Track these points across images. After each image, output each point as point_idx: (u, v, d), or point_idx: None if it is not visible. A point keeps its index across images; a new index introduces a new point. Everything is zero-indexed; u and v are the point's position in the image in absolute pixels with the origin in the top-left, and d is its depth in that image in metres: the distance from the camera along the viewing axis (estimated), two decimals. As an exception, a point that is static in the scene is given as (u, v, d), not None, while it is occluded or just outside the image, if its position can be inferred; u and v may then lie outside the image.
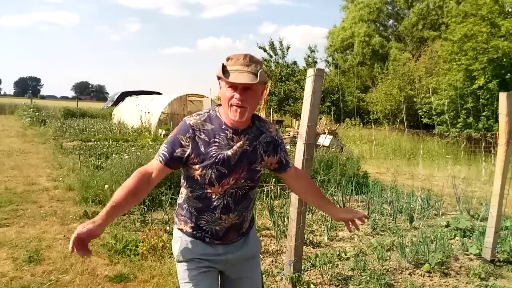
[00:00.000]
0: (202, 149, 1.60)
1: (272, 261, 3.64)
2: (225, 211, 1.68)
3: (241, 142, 1.64)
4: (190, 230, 1.73)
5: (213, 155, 1.60)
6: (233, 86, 1.55)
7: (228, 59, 1.61)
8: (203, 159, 1.60)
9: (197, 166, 1.61)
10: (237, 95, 1.55)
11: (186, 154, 1.60)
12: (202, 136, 1.61)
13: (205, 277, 1.70)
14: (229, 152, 1.62)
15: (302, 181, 1.89)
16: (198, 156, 1.60)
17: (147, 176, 1.58)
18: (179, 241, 1.74)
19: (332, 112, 18.68)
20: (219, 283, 1.85)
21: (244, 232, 1.80)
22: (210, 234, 1.72)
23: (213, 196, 1.66)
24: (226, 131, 1.63)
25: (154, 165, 1.61)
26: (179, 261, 1.75)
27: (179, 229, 1.77)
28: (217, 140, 1.62)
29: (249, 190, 1.73)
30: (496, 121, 4.32)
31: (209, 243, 1.72)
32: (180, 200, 1.78)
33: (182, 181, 1.74)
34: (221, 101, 1.64)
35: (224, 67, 1.57)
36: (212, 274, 1.74)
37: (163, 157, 1.61)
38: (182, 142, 1.60)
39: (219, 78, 1.61)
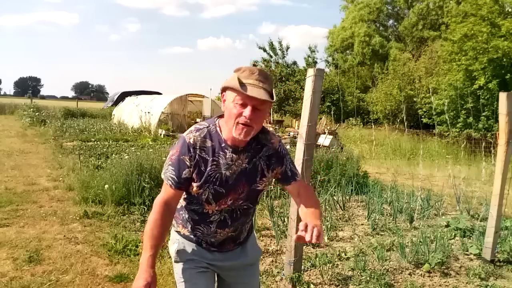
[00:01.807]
0: (202, 167, 1.55)
1: (272, 261, 3.64)
2: (221, 226, 1.65)
3: (239, 161, 1.57)
4: (188, 234, 1.72)
5: (211, 175, 1.55)
6: (243, 104, 1.45)
7: (239, 70, 1.50)
8: (202, 178, 1.55)
9: (195, 184, 1.55)
10: (246, 113, 1.45)
11: (191, 174, 1.55)
12: (203, 154, 1.55)
13: (202, 277, 1.69)
14: (227, 172, 1.56)
15: (302, 198, 1.66)
16: (198, 174, 1.55)
17: (169, 207, 1.56)
18: (177, 242, 1.73)
19: (332, 112, 18.69)
20: (216, 284, 1.84)
21: (241, 241, 1.78)
22: (206, 242, 1.71)
23: (210, 212, 1.63)
24: (226, 150, 1.55)
25: (168, 192, 1.56)
26: (176, 262, 1.74)
27: (176, 231, 1.76)
28: (216, 159, 1.55)
29: (248, 209, 1.69)
30: (496, 121, 4.32)
31: (205, 248, 1.71)
32: (178, 205, 1.72)
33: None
34: (225, 116, 1.53)
35: (238, 78, 1.45)
36: (209, 275, 1.73)
37: (173, 181, 1.54)
38: (187, 163, 1.53)
39: (226, 89, 1.51)
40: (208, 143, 1.55)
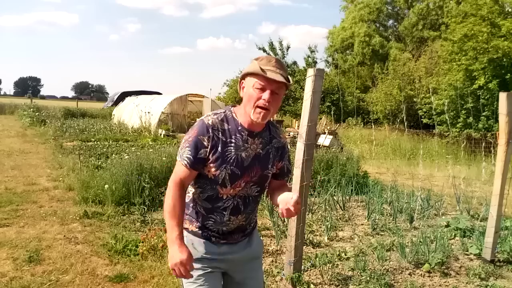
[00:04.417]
0: (220, 149, 1.61)
1: (272, 261, 3.64)
2: (234, 212, 1.69)
3: (254, 145, 1.67)
4: (196, 229, 1.73)
5: (229, 155, 1.62)
6: (262, 88, 1.56)
7: (257, 59, 1.61)
8: (219, 159, 1.61)
9: (212, 165, 1.61)
10: (266, 96, 1.55)
11: (207, 154, 1.61)
12: (220, 135, 1.62)
13: (209, 277, 1.70)
14: (243, 154, 1.64)
15: (278, 189, 1.79)
16: (215, 155, 1.61)
17: (184, 186, 1.63)
18: (185, 240, 1.74)
19: (332, 112, 18.68)
20: (223, 284, 1.84)
21: (248, 232, 1.81)
22: (216, 233, 1.72)
23: (224, 197, 1.67)
24: (242, 133, 1.64)
25: (182, 171, 1.62)
26: None
27: (184, 228, 1.75)
28: (233, 140, 1.63)
29: (258, 195, 1.77)
30: (496, 121, 4.32)
31: (214, 243, 1.72)
32: (186, 199, 1.76)
33: (192, 181, 1.72)
34: (244, 100, 1.62)
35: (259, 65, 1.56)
36: (215, 275, 1.74)
37: (188, 161, 1.60)
38: (204, 143, 1.60)
39: (246, 76, 1.61)
40: (225, 126, 1.64)
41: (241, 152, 1.64)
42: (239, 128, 1.64)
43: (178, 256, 1.52)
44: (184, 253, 1.53)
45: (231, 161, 1.62)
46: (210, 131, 1.60)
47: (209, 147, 1.60)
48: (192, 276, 1.59)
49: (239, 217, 1.70)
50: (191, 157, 1.59)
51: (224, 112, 1.68)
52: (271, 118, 1.70)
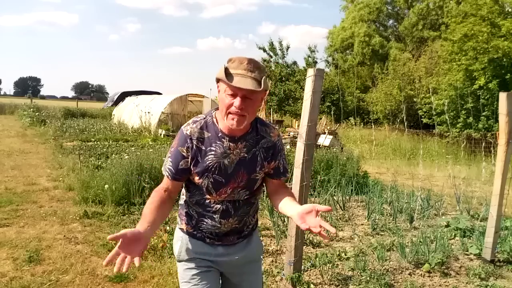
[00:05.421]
0: (199, 158, 1.58)
1: (272, 261, 3.64)
2: (224, 216, 1.66)
3: (237, 150, 1.60)
4: (191, 231, 1.73)
5: (210, 164, 1.58)
6: (233, 94, 1.47)
7: (230, 60, 1.52)
8: (200, 168, 1.59)
9: (195, 174, 1.60)
10: (236, 103, 1.46)
11: (189, 164, 1.60)
12: (200, 145, 1.58)
13: (205, 276, 1.69)
14: (226, 161, 1.59)
15: (281, 193, 1.70)
16: (196, 165, 1.59)
17: (165, 192, 1.62)
18: (180, 240, 1.74)
19: (332, 112, 18.67)
20: (221, 285, 1.83)
21: (246, 234, 1.78)
22: (210, 234, 1.71)
23: (212, 202, 1.65)
24: (223, 139, 1.58)
25: (166, 182, 1.63)
26: (179, 261, 1.75)
27: (180, 229, 1.77)
28: (213, 148, 1.58)
29: (249, 198, 1.70)
30: (496, 121, 4.33)
31: (209, 244, 1.71)
32: (181, 201, 1.78)
33: (180, 188, 1.73)
34: (219, 106, 1.57)
35: (226, 69, 1.47)
36: (212, 274, 1.72)
37: (170, 172, 1.61)
38: (184, 154, 1.59)
39: (219, 80, 1.52)
40: (205, 134, 1.60)
41: (223, 160, 1.58)
42: (219, 134, 1.58)
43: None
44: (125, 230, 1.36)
45: (213, 169, 1.58)
46: (189, 142, 1.58)
47: (189, 157, 1.58)
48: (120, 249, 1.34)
49: (230, 220, 1.68)
50: (172, 169, 1.60)
51: (204, 118, 1.63)
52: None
